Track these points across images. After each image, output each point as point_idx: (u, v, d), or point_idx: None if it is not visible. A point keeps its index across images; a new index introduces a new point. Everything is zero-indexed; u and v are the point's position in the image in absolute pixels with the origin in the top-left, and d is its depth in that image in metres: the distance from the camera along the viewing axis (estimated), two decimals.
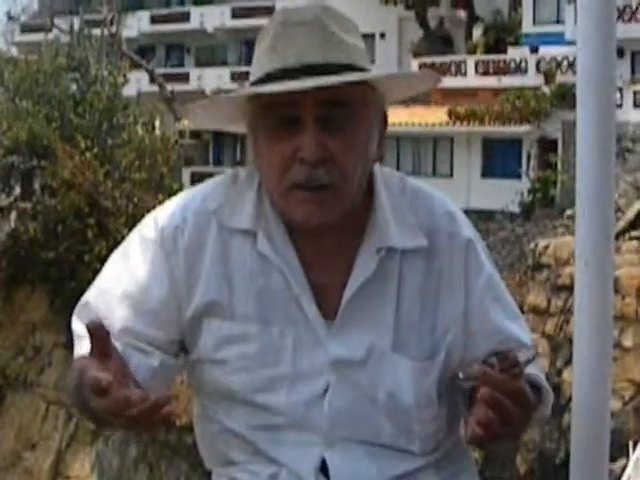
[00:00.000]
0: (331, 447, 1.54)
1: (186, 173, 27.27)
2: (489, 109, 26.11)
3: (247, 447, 1.58)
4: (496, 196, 24.09)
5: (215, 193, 1.62)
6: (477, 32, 32.15)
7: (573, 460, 1.66)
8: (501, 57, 29.23)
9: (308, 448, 1.54)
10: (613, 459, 12.73)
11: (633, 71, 26.41)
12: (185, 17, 38.89)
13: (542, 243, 18.32)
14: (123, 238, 1.67)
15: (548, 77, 26.78)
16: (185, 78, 36.11)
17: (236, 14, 37.12)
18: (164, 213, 1.62)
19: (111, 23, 30.10)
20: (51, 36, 26.13)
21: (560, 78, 26.14)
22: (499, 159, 26.18)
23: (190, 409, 1.71)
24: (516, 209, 23.77)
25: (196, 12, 38.55)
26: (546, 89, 26.09)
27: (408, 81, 1.65)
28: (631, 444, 14.08)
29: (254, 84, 1.53)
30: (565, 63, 26.87)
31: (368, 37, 30.68)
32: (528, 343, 1.66)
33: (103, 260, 1.68)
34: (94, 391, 1.31)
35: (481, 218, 19.72)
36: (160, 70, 34.55)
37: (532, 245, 18.64)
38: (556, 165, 23.98)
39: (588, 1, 1.62)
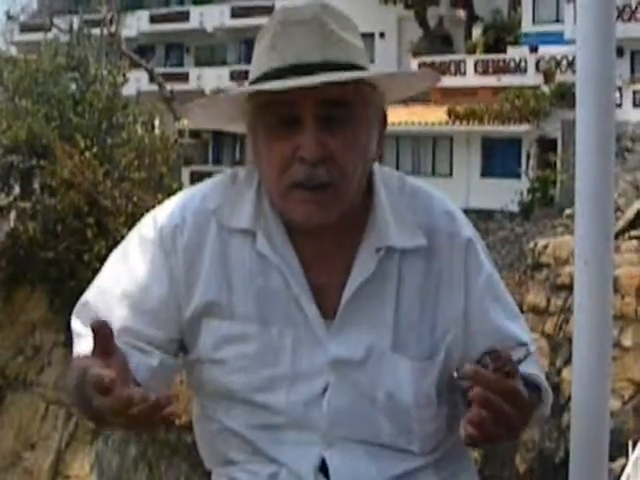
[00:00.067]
0: (331, 447, 1.54)
1: (185, 172, 27.27)
2: (488, 108, 26.11)
3: (247, 447, 1.58)
4: (495, 195, 24.09)
5: (214, 193, 1.62)
6: (477, 31, 32.15)
7: (572, 459, 1.66)
8: (500, 56, 29.23)
9: (308, 448, 1.54)
10: (612, 458, 12.73)
11: (633, 70, 26.41)
12: (184, 16, 38.89)
13: (541, 242, 18.32)
14: (122, 237, 1.67)
15: (547, 76, 26.78)
16: (184, 77, 36.11)
17: (235, 13, 37.12)
18: (163, 213, 1.62)
19: (110, 22, 30.08)
20: (50, 36, 26.12)
21: (560, 77, 26.14)
22: (498, 158, 26.19)
23: (190, 409, 1.71)
24: (515, 208, 23.76)
25: (195, 11, 38.54)
26: (545, 88, 26.09)
27: (408, 80, 1.65)
28: (630, 443, 14.08)
29: (253, 83, 1.52)
30: (564, 62, 26.88)
31: (367, 37, 30.68)
32: (528, 342, 1.66)
33: (102, 259, 1.68)
34: (97, 389, 1.31)
35: (480, 218, 19.71)
36: (159, 69, 34.53)
37: (531, 244, 18.63)
38: (555, 164, 23.98)
39: (587, 0, 1.62)
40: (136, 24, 37.69)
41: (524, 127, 25.49)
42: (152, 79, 32.20)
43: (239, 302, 1.56)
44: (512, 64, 28.63)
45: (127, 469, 18.74)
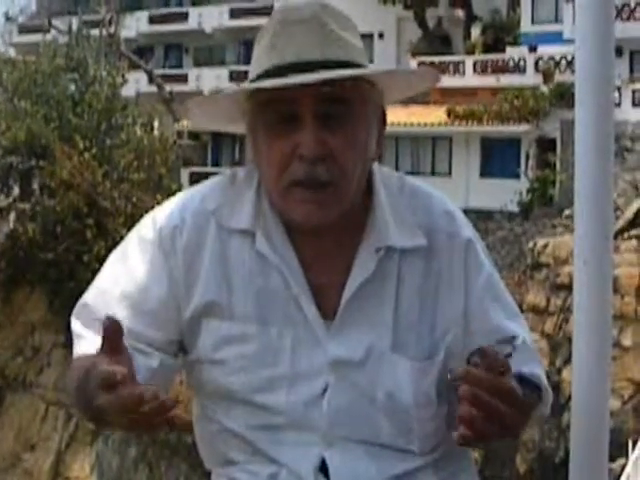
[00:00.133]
0: (330, 447, 1.54)
1: (185, 174, 27.27)
2: (488, 108, 26.12)
3: (246, 447, 1.58)
4: (495, 195, 24.11)
5: (214, 193, 1.62)
6: (475, 32, 32.17)
7: (572, 459, 1.66)
8: (499, 56, 29.25)
9: (307, 448, 1.54)
10: (612, 458, 12.74)
11: (632, 70, 26.43)
12: (183, 17, 38.89)
13: (541, 242, 18.33)
14: (122, 238, 1.67)
15: (546, 76, 26.79)
16: (184, 78, 36.11)
17: (234, 14, 37.13)
18: (162, 213, 1.62)
19: (109, 23, 30.08)
20: (49, 37, 26.10)
21: (559, 77, 26.16)
22: (498, 158, 26.20)
23: (190, 409, 1.71)
24: (515, 208, 23.78)
25: (194, 12, 38.55)
26: (545, 88, 26.10)
27: (407, 79, 1.65)
28: (630, 443, 14.09)
29: (253, 82, 1.53)
30: (563, 62, 26.90)
31: (366, 37, 30.70)
32: (528, 342, 1.66)
33: (102, 260, 1.68)
34: (105, 385, 1.31)
35: (480, 217, 19.73)
36: (159, 70, 34.56)
37: (531, 244, 18.65)
38: (555, 164, 24.00)
39: (586, 0, 1.62)
40: (135, 25, 37.69)
41: (523, 127, 25.51)
42: (151, 80, 32.21)
43: (239, 302, 1.56)
44: (511, 64, 28.65)
45: (127, 470, 18.73)
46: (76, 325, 1.61)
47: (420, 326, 1.58)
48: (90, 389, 1.40)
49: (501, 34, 31.28)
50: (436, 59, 29.19)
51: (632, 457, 13.65)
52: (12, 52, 34.38)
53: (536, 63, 28.08)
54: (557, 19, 28.48)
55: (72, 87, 22.06)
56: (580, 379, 1.64)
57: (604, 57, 1.61)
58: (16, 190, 21.58)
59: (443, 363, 1.57)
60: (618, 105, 22.50)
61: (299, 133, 1.48)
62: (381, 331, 1.56)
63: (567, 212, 19.34)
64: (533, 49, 28.59)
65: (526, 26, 30.19)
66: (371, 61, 1.60)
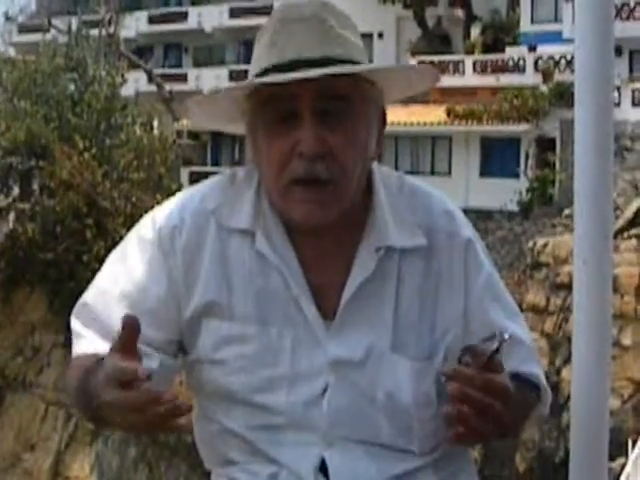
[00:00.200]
0: (330, 447, 1.54)
1: (184, 173, 27.26)
2: (487, 108, 26.13)
3: (246, 447, 1.57)
4: (495, 195, 24.11)
5: (213, 193, 1.62)
6: (475, 31, 32.19)
7: (572, 459, 1.66)
8: (499, 56, 29.26)
9: (307, 448, 1.54)
10: (612, 458, 12.74)
11: (631, 69, 26.44)
12: (183, 17, 38.88)
13: (541, 242, 18.33)
14: (121, 238, 1.67)
15: (546, 76, 26.80)
16: (183, 78, 36.10)
17: (234, 14, 37.12)
18: (162, 213, 1.62)
19: (109, 23, 30.08)
20: (49, 36, 26.09)
21: (558, 77, 26.17)
22: (497, 158, 26.20)
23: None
24: (515, 208, 23.78)
25: (194, 12, 38.54)
26: (544, 88, 26.11)
27: (407, 78, 1.64)
28: (630, 442, 14.09)
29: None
30: (563, 62, 26.91)
31: (366, 36, 30.71)
32: (527, 342, 1.66)
33: (102, 260, 1.68)
34: (121, 381, 1.31)
35: (480, 217, 19.72)
36: (158, 70, 34.54)
37: (531, 244, 18.65)
38: (554, 164, 24.00)
39: (586, 0, 1.62)
40: (134, 25, 37.68)
41: (523, 127, 25.51)
42: (151, 80, 32.20)
43: (238, 302, 1.56)
44: (511, 64, 28.66)
45: (127, 470, 18.73)
46: (76, 324, 1.61)
47: (420, 326, 1.58)
48: (95, 386, 1.40)
49: (501, 34, 31.29)
50: (436, 59, 29.18)
51: (632, 456, 13.65)
52: (12, 52, 34.38)
53: (536, 63, 28.09)
54: (557, 19, 28.49)
55: (72, 87, 22.05)
56: (580, 378, 1.64)
57: (603, 57, 1.61)
58: (16, 190, 21.56)
59: (443, 363, 1.57)
60: (618, 105, 22.49)
61: (299, 131, 1.48)
62: (381, 331, 1.56)
63: (567, 211, 19.34)
64: (533, 49, 28.60)
65: (526, 26, 30.19)
66: (370, 61, 1.59)
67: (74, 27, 23.65)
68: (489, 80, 28.56)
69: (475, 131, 26.62)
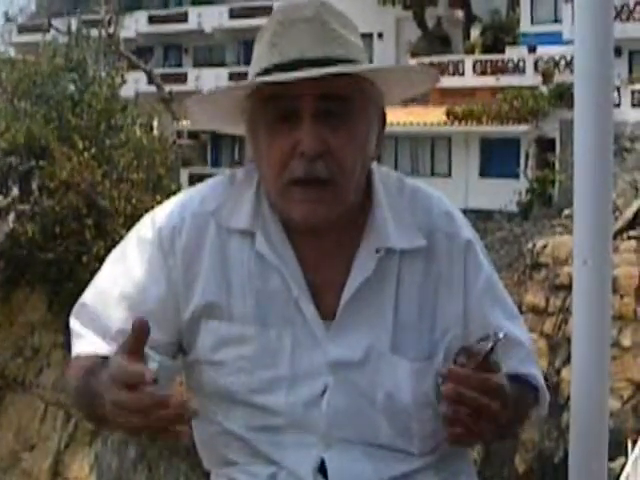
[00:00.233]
0: (330, 448, 1.54)
1: (184, 174, 27.26)
2: (487, 109, 26.12)
3: (246, 448, 1.57)
4: (494, 196, 24.11)
5: (213, 194, 1.62)
6: (475, 32, 32.20)
7: (572, 459, 1.66)
8: (499, 57, 29.28)
9: (307, 449, 1.54)
10: (612, 458, 12.74)
11: (631, 70, 26.44)
12: (183, 17, 38.88)
13: (540, 243, 18.32)
14: (121, 238, 1.67)
15: (546, 76, 26.81)
16: (183, 78, 36.10)
17: (234, 14, 37.12)
18: (162, 213, 1.62)
19: (109, 24, 30.05)
20: (49, 37, 26.09)
21: (558, 77, 26.17)
22: (497, 159, 26.20)
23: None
24: (514, 209, 23.78)
25: (194, 12, 38.54)
26: (544, 88, 26.11)
27: (407, 78, 1.64)
28: (630, 443, 14.09)
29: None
30: (563, 62, 26.92)
31: (366, 37, 30.70)
32: (526, 343, 1.66)
33: (101, 261, 1.68)
34: (128, 383, 1.31)
35: (479, 218, 19.71)
36: (158, 70, 34.53)
37: (530, 245, 18.64)
38: (554, 165, 24.01)
39: (585, 1, 1.62)
40: (134, 25, 37.68)
41: (522, 127, 25.51)
42: (150, 80, 32.19)
43: (238, 303, 1.56)
44: (510, 64, 28.67)
45: (126, 470, 18.72)
46: (75, 324, 1.61)
47: (420, 327, 1.58)
48: (97, 386, 1.40)
49: (500, 34, 31.29)
50: (435, 59, 29.20)
51: (631, 457, 13.65)
52: (12, 52, 34.37)
53: (535, 63, 28.10)
54: (556, 19, 28.50)
55: (72, 87, 22.04)
56: (579, 379, 1.65)
57: (603, 57, 1.61)
58: (15, 190, 21.56)
59: (443, 364, 1.57)
60: (617, 105, 22.50)
61: (299, 130, 1.48)
62: (380, 332, 1.56)
63: (566, 212, 19.35)
64: (532, 49, 28.60)
65: (525, 26, 30.21)
66: (370, 61, 1.60)
67: (74, 27, 23.65)
68: (489, 81, 28.57)
69: (475, 132, 26.62)
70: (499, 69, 28.76)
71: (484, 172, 26.61)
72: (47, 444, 19.73)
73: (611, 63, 1.63)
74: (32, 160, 21.20)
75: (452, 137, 27.24)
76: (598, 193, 1.63)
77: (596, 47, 1.61)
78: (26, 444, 20.00)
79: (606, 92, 1.63)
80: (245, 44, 35.29)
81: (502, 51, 29.64)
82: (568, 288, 13.63)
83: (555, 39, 26.92)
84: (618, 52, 24.24)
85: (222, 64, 37.31)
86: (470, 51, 30.99)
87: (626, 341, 15.85)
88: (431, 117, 26.81)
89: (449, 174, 27.08)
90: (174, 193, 1.77)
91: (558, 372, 15.12)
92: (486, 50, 30.47)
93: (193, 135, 31.66)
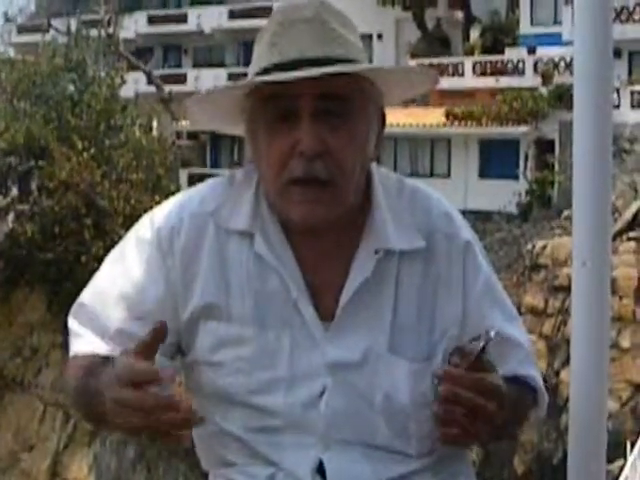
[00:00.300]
0: (328, 449, 1.54)
1: (183, 174, 27.25)
2: (486, 110, 26.13)
3: (244, 449, 1.57)
4: (493, 197, 24.12)
5: (212, 194, 1.62)
6: (474, 33, 32.21)
7: (570, 461, 1.66)
8: (498, 58, 29.29)
9: (305, 450, 1.54)
10: (610, 460, 12.73)
11: (630, 72, 26.46)
12: (182, 18, 38.89)
13: (539, 244, 18.33)
14: (120, 238, 1.67)
15: (545, 78, 26.82)
16: (182, 79, 36.11)
17: (234, 15, 37.13)
18: (161, 214, 1.61)
19: (108, 24, 30.05)
20: (48, 37, 26.09)
21: (557, 79, 26.18)
22: (496, 160, 26.20)
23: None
24: (514, 210, 23.80)
25: (193, 13, 38.54)
26: (543, 90, 26.13)
27: (407, 79, 1.64)
28: (629, 445, 14.09)
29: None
30: (562, 64, 26.93)
31: (365, 38, 30.71)
32: (525, 345, 1.66)
33: (100, 261, 1.67)
34: (132, 381, 1.32)
35: (479, 219, 19.73)
36: (157, 71, 34.54)
37: (529, 246, 18.65)
38: (553, 166, 24.02)
39: (585, 2, 1.62)
40: (134, 26, 37.67)
41: (522, 128, 25.52)
42: (150, 81, 32.19)
43: (236, 304, 1.56)
44: (510, 66, 28.69)
45: (125, 470, 18.73)
46: (73, 324, 1.61)
47: (418, 328, 1.57)
48: (98, 385, 1.40)
49: (500, 36, 31.30)
50: (435, 60, 29.21)
51: (630, 459, 13.65)
52: (11, 52, 34.37)
53: (535, 65, 28.11)
54: (556, 21, 28.52)
55: (71, 87, 22.06)
56: (578, 380, 1.65)
57: (603, 59, 1.62)
58: (15, 191, 21.56)
59: (441, 365, 1.57)
60: (617, 107, 22.50)
61: (298, 130, 1.48)
62: (379, 333, 1.55)
63: (566, 213, 19.35)
64: (532, 51, 28.62)
65: (525, 28, 30.21)
66: (370, 62, 1.60)
67: (73, 28, 23.67)
68: (488, 82, 28.59)
69: (474, 133, 26.62)
70: (498, 70, 28.78)
71: (483, 173, 26.62)
72: (46, 444, 19.73)
73: (610, 64, 1.64)
74: (31, 160, 21.21)
75: (451, 138, 27.24)
76: (597, 194, 1.63)
77: (595, 48, 1.61)
78: (25, 444, 20.01)
79: (605, 93, 1.63)
80: (244, 45, 35.30)
81: (502, 52, 29.66)
82: (567, 289, 13.62)
83: (554, 40, 26.94)
84: (617, 53, 24.26)
85: (221, 65, 37.32)
86: (470, 52, 31.00)
87: (625, 342, 15.85)
88: (430, 118, 26.82)
89: (448, 175, 27.09)
90: (173, 193, 1.76)
91: (557, 373, 15.13)
92: (486, 51, 30.48)
93: (192, 136, 31.66)
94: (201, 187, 1.66)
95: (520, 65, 28.51)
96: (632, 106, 24.41)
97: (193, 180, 23.03)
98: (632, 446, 14.05)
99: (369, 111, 1.54)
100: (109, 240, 18.50)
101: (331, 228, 1.54)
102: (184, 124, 25.67)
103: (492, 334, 1.41)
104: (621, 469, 13.35)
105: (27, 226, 20.50)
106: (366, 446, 1.55)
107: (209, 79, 34.47)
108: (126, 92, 24.25)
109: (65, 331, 1.64)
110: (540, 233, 19.80)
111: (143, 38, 38.84)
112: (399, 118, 24.71)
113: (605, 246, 1.64)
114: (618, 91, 23.67)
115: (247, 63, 1.56)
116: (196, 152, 32.52)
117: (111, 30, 30.26)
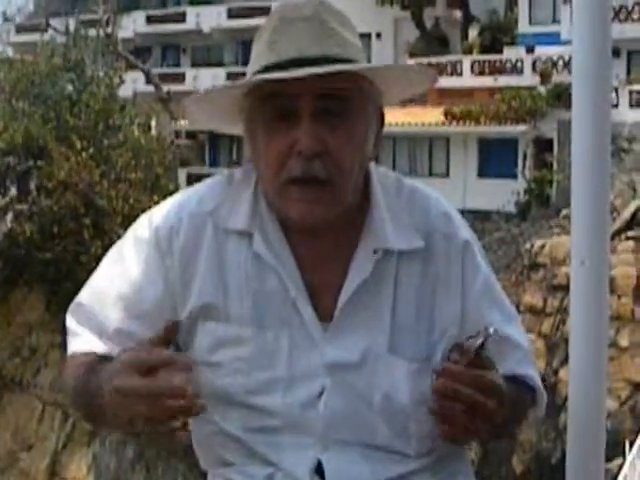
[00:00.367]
0: (327, 449, 1.53)
1: (182, 174, 27.24)
2: (485, 109, 26.14)
3: (243, 449, 1.57)
4: (492, 196, 24.12)
5: (211, 194, 1.62)
6: (473, 32, 32.22)
7: (569, 460, 1.66)
8: (497, 57, 29.29)
9: (304, 450, 1.53)
10: (609, 459, 12.74)
11: (629, 71, 26.46)
12: (181, 17, 38.88)
13: (538, 243, 18.32)
14: (119, 238, 1.66)
15: (544, 77, 26.82)
16: (181, 78, 36.10)
17: (232, 14, 37.12)
18: (159, 213, 1.61)
19: (107, 23, 30.01)
20: (47, 37, 26.07)
21: (556, 78, 26.18)
22: (495, 159, 26.21)
23: None
24: (512, 209, 23.79)
25: (192, 12, 38.53)
26: (542, 89, 26.13)
27: (406, 78, 1.64)
28: (627, 444, 14.08)
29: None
30: (561, 63, 26.94)
31: (364, 37, 30.70)
32: (524, 344, 1.66)
33: (99, 260, 1.67)
34: (139, 368, 1.34)
35: (477, 218, 19.72)
36: (156, 70, 34.51)
37: (528, 245, 18.63)
38: (552, 165, 24.01)
39: (584, 1, 1.62)
40: (132, 25, 37.65)
41: (520, 127, 25.53)
42: (149, 80, 32.16)
43: (235, 304, 1.56)
44: (508, 65, 28.69)
45: (124, 470, 18.72)
46: (71, 323, 1.61)
47: (417, 328, 1.57)
48: (97, 380, 1.42)
49: (499, 35, 31.30)
50: (434, 59, 29.21)
51: (629, 457, 13.64)
52: (10, 51, 34.34)
53: (533, 64, 28.11)
54: (554, 20, 28.52)
55: (70, 87, 22.03)
56: (577, 380, 1.65)
57: (601, 58, 1.61)
58: (13, 190, 21.55)
59: (440, 364, 1.57)
60: (615, 106, 22.51)
61: (297, 129, 1.48)
62: (378, 333, 1.55)
63: (564, 212, 19.33)
64: (530, 50, 28.62)
65: (524, 27, 30.21)
66: (369, 61, 1.61)
67: (72, 27, 23.64)
68: (487, 81, 28.59)
69: (473, 132, 26.63)
70: (497, 69, 28.78)
71: (482, 172, 26.63)
72: (45, 444, 19.72)
73: (609, 63, 1.63)
74: (30, 160, 21.19)
75: (450, 137, 27.24)
76: (596, 193, 1.63)
77: (594, 47, 1.61)
78: (24, 444, 19.99)
79: (604, 92, 1.63)
80: (243, 44, 35.30)
81: (500, 51, 29.66)
82: (566, 288, 13.63)
83: (553, 39, 26.94)
84: (616, 53, 24.26)
85: (220, 64, 37.30)
86: (468, 51, 31.00)
87: (623, 341, 15.84)
88: (429, 117, 26.82)
89: (447, 174, 27.09)
90: (172, 193, 1.76)
91: (556, 372, 15.12)
92: (484, 50, 30.48)
93: (191, 135, 31.65)
94: (199, 187, 1.66)
95: (519, 64, 28.51)
96: (630, 105, 24.42)
97: (192, 179, 23.01)
98: (631, 445, 14.04)
99: (368, 110, 1.54)
100: (108, 240, 18.47)
101: (330, 228, 1.54)
102: (183, 123, 25.66)
103: (491, 330, 1.41)
104: (620, 468, 13.35)
105: (26, 226, 20.48)
106: (365, 446, 1.54)
107: (208, 78, 34.45)
108: (124, 91, 24.23)
109: (64, 331, 1.64)
110: (539, 232, 19.79)
111: (142, 37, 38.83)
112: (398, 117, 24.72)
113: (604, 245, 1.64)
114: (617, 90, 23.69)
115: (246, 62, 1.56)
116: (195, 151, 32.52)
117: (109, 30, 30.22)
